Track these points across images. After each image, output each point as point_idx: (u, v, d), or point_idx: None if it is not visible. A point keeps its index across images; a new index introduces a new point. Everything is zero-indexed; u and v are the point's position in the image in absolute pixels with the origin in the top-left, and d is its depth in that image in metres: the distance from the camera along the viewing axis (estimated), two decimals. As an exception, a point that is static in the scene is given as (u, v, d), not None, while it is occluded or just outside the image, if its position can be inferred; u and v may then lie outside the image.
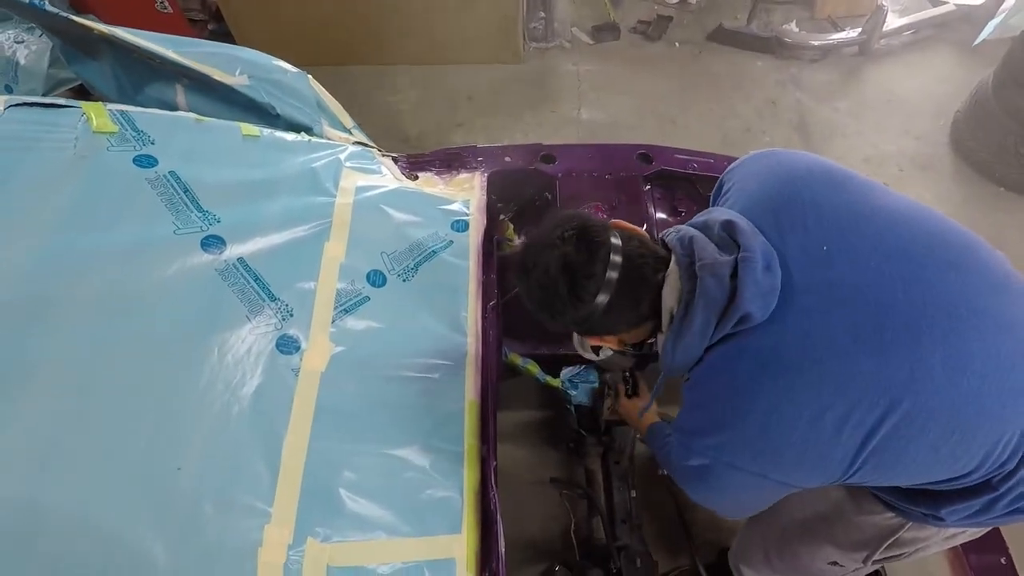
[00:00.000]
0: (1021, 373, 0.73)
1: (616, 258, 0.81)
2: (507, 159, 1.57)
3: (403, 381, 1.08)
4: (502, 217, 1.50)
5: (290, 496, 0.87)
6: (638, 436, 1.56)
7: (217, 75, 1.32)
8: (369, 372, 1.05)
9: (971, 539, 0.99)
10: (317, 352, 1.01)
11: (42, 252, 0.91)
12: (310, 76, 1.48)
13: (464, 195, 1.40)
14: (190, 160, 1.10)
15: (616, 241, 0.83)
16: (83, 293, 0.90)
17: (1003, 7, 2.94)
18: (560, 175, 1.59)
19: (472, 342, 1.19)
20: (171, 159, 1.09)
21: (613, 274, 0.81)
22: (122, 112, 1.10)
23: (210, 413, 0.88)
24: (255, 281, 1.02)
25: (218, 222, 1.05)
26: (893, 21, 3.07)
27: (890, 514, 0.94)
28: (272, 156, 1.22)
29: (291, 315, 1.03)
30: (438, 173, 1.50)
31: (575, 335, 1.29)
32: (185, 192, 1.06)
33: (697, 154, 1.67)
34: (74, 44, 1.42)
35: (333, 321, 1.06)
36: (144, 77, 1.39)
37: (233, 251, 1.03)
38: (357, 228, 1.19)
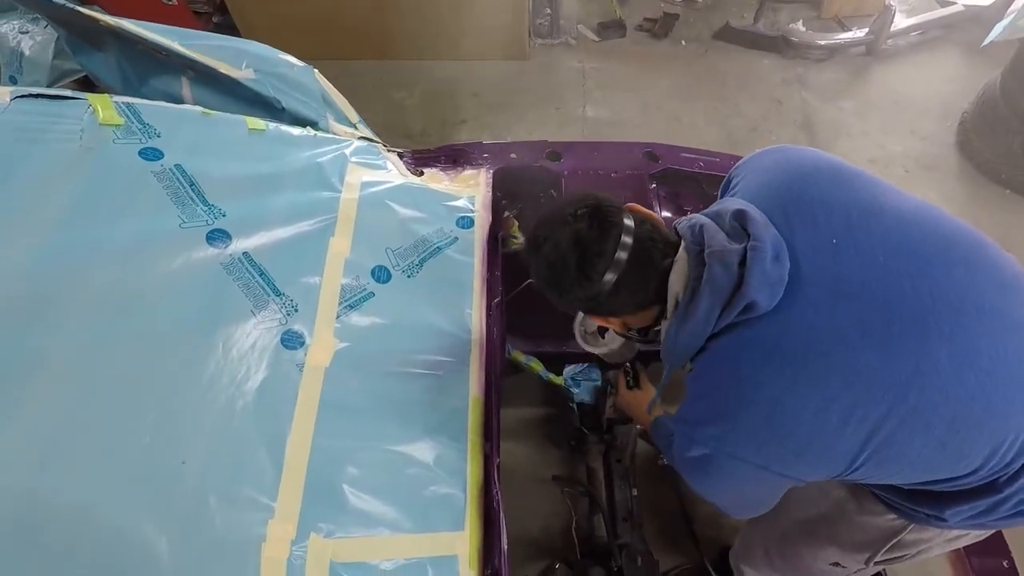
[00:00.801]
0: None
1: (627, 239, 0.81)
2: (513, 156, 1.56)
3: (407, 377, 1.08)
4: (507, 214, 1.49)
5: (294, 491, 0.87)
6: (639, 428, 1.56)
7: (223, 68, 1.32)
8: (373, 368, 1.05)
9: (974, 542, 0.99)
10: (321, 348, 1.01)
11: (47, 245, 0.91)
12: (316, 70, 1.47)
13: (469, 192, 1.40)
14: (196, 153, 1.10)
15: (629, 222, 0.83)
16: (88, 286, 0.89)
17: (1012, 8, 2.91)
18: (566, 173, 1.59)
19: (476, 339, 1.18)
20: (177, 152, 1.08)
21: (623, 254, 0.81)
22: (128, 104, 1.10)
23: (214, 408, 0.88)
24: (260, 276, 1.02)
25: (223, 216, 1.05)
26: (901, 21, 3.06)
27: (892, 515, 0.94)
28: (278, 150, 1.21)
29: (296, 310, 1.02)
30: (443, 169, 1.49)
31: (576, 328, 1.28)
32: (191, 185, 1.06)
33: (703, 153, 1.66)
34: (79, 35, 1.42)
35: (338, 317, 1.06)
36: (149, 69, 1.38)
37: (238, 245, 1.03)
38: (362, 224, 1.19)
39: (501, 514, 0.98)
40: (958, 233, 0.80)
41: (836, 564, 1.08)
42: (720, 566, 1.51)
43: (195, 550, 0.78)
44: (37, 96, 1.04)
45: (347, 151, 1.30)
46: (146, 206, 1.01)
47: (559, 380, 1.47)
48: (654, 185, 1.64)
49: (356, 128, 1.50)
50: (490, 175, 1.47)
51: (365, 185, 1.25)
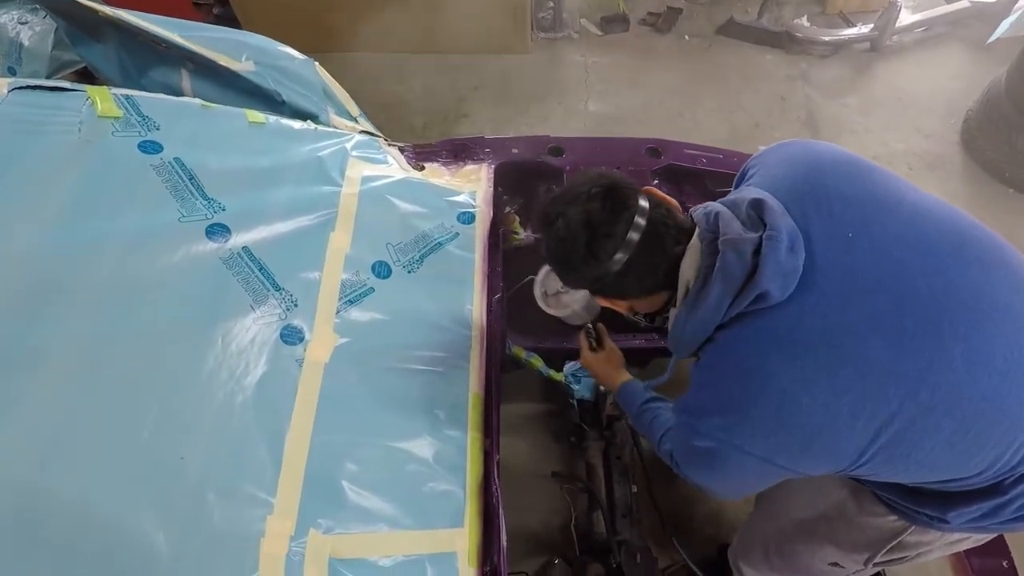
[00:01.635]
0: None
1: (640, 220, 0.80)
2: (514, 151, 1.55)
3: (407, 373, 1.08)
4: (508, 209, 1.49)
5: (293, 487, 0.87)
6: (607, 393, 1.52)
7: (223, 60, 1.31)
8: (373, 364, 1.05)
9: (974, 545, 0.99)
10: (321, 343, 1.01)
11: (46, 238, 0.90)
12: (316, 63, 1.46)
13: (471, 187, 1.39)
14: (195, 146, 1.09)
15: (644, 204, 0.82)
16: (87, 280, 0.89)
17: (1018, 5, 2.90)
18: (568, 168, 1.58)
19: (477, 335, 1.18)
20: (176, 145, 1.07)
21: (634, 236, 0.80)
22: (127, 96, 1.09)
23: (214, 403, 0.88)
24: (260, 271, 1.02)
25: (223, 210, 1.04)
26: (906, 17, 3.04)
27: (893, 517, 0.94)
28: (278, 144, 1.20)
29: (295, 305, 1.02)
30: (445, 164, 1.48)
31: (536, 289, 1.25)
32: (190, 179, 1.05)
33: (706, 149, 1.65)
34: (79, 26, 1.41)
35: (337, 312, 1.06)
36: (149, 61, 1.37)
37: (238, 240, 1.03)
38: (363, 218, 1.18)
39: (500, 511, 0.98)
40: (974, 232, 0.79)
41: (835, 564, 1.07)
42: (718, 564, 1.51)
43: (194, 545, 0.78)
44: (35, 88, 1.03)
45: (348, 145, 1.30)
46: (145, 200, 1.00)
47: (559, 376, 1.47)
48: (656, 181, 1.63)
49: (357, 122, 1.49)
50: (492, 170, 1.46)
51: (366, 180, 1.25)
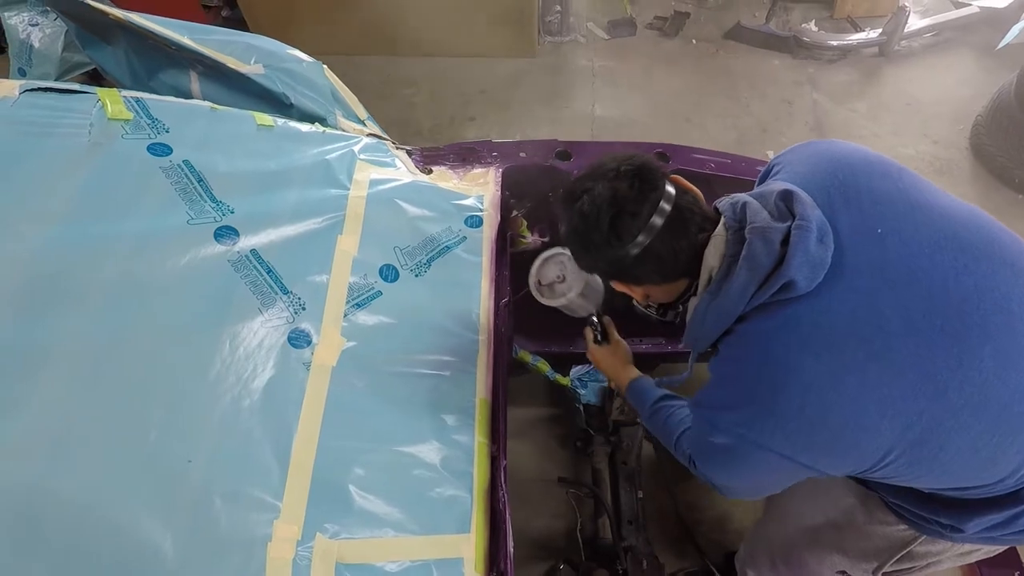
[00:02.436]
0: None
1: (665, 205, 0.79)
2: (522, 154, 1.55)
3: (414, 378, 1.07)
4: (515, 213, 1.48)
5: (300, 491, 0.86)
6: (615, 389, 1.48)
7: (232, 63, 1.31)
8: (380, 368, 1.04)
9: (985, 557, 0.98)
10: (328, 347, 1.01)
11: (55, 239, 0.90)
12: (325, 66, 1.47)
13: (478, 190, 1.39)
14: (204, 149, 1.09)
15: (670, 190, 0.81)
16: (95, 283, 0.89)
17: (1028, 10, 2.89)
18: (575, 172, 1.57)
19: (484, 340, 1.18)
20: (185, 148, 1.07)
21: (658, 220, 0.78)
22: (137, 99, 1.09)
23: (221, 406, 0.87)
24: (268, 273, 1.01)
25: (231, 213, 1.04)
26: (914, 22, 3.03)
27: (903, 526, 0.92)
28: (286, 147, 1.20)
29: (303, 308, 1.02)
30: (452, 167, 1.48)
31: (531, 279, 1.19)
32: (199, 182, 1.05)
33: (714, 154, 1.64)
34: (88, 28, 1.42)
35: (345, 316, 1.05)
36: (158, 63, 1.38)
37: (246, 243, 1.02)
38: (370, 222, 1.18)
39: (507, 517, 0.97)
40: (1003, 235, 0.78)
41: (842, 572, 1.07)
42: (725, 571, 1.50)
43: (200, 550, 0.78)
44: (46, 90, 1.03)
45: (355, 148, 1.30)
46: (154, 202, 1.00)
47: (566, 381, 1.47)
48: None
49: (365, 124, 1.49)
50: (499, 174, 1.45)
51: (373, 183, 1.25)
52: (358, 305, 1.08)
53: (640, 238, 0.79)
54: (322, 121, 1.38)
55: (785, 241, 0.73)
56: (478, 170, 1.47)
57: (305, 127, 1.29)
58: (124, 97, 1.08)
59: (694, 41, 3.16)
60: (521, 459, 1.75)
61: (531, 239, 1.50)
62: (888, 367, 0.70)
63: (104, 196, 0.97)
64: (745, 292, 0.75)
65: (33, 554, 0.72)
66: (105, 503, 0.76)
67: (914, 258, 0.73)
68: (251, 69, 1.34)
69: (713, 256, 0.79)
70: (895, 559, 0.97)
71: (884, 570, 1.01)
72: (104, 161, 1.00)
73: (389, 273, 1.16)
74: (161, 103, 1.12)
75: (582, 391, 1.50)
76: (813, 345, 0.72)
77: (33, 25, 2.29)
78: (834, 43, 3.02)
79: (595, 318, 1.24)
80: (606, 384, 1.54)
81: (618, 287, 0.93)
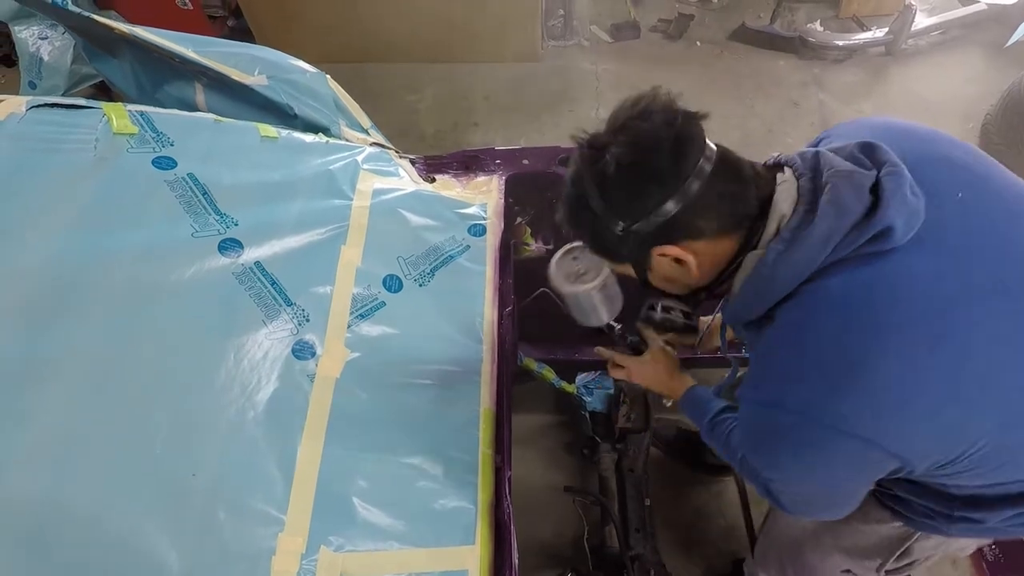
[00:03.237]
0: None
1: (711, 143, 0.72)
2: (525, 162, 1.55)
3: (418, 388, 1.07)
4: (519, 221, 1.48)
5: (304, 504, 0.87)
6: (667, 403, 1.37)
7: (236, 75, 1.32)
8: (384, 379, 1.05)
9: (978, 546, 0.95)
10: (332, 358, 1.01)
11: (61, 252, 0.91)
12: (328, 76, 1.47)
13: (482, 198, 1.39)
14: (208, 162, 1.10)
15: (712, 145, 0.73)
16: (101, 296, 0.89)
17: (1037, 8, 2.85)
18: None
19: (488, 349, 1.18)
20: (190, 161, 1.08)
21: (713, 148, 0.71)
22: (142, 113, 1.10)
23: (225, 418, 0.88)
24: (272, 285, 1.02)
25: (236, 225, 1.05)
26: (921, 21, 2.99)
27: (897, 523, 0.91)
28: (290, 158, 1.21)
29: (307, 320, 1.02)
30: (456, 176, 1.48)
31: (553, 270, 1.03)
32: (203, 194, 1.06)
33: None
34: (95, 43, 1.43)
35: (349, 327, 1.06)
36: (164, 75, 1.39)
37: (250, 255, 1.03)
38: (374, 232, 1.19)
39: (512, 528, 0.96)
40: None
41: (848, 572, 1.06)
42: (734, 579, 1.49)
43: (205, 563, 0.78)
44: (52, 106, 1.04)
45: (359, 158, 1.30)
46: (159, 215, 1.01)
47: (571, 388, 1.46)
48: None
49: (368, 134, 1.50)
50: (503, 182, 1.45)
51: (377, 193, 1.25)
52: (362, 316, 1.09)
53: (702, 163, 0.70)
54: (326, 131, 1.39)
55: (873, 191, 0.66)
56: (481, 178, 1.47)
57: (309, 138, 1.29)
58: (129, 111, 1.09)
59: (698, 43, 3.15)
60: (527, 467, 1.74)
61: (535, 246, 1.49)
62: (991, 334, 0.64)
63: (110, 210, 0.98)
64: (829, 241, 0.65)
65: (38, 565, 0.72)
66: (110, 516, 0.76)
67: (997, 226, 0.69)
68: (255, 80, 1.34)
69: (785, 202, 0.70)
70: (896, 556, 0.96)
71: (887, 567, 0.99)
72: (110, 175, 1.01)
73: (393, 283, 1.16)
74: (166, 116, 1.13)
75: (588, 398, 1.49)
76: (905, 307, 0.64)
77: (43, 39, 2.33)
78: (840, 43, 2.99)
79: (619, 332, 1.12)
80: (612, 391, 1.53)
81: (656, 252, 0.76)
